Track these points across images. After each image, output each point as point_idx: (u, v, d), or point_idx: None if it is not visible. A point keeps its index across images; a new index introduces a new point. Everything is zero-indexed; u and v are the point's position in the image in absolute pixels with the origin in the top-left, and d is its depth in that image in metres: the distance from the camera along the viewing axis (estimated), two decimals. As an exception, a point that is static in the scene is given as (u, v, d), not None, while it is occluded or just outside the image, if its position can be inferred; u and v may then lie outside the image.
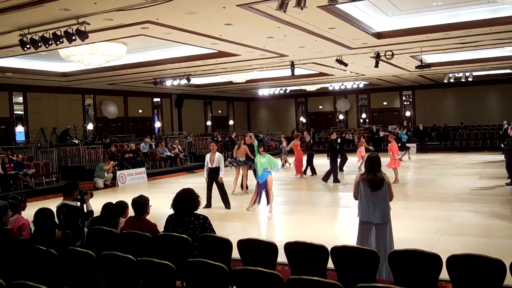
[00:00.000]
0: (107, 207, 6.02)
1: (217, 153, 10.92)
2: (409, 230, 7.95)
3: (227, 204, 10.80)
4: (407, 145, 21.43)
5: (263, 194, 10.10)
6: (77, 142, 20.22)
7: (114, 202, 6.12)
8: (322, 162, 16.11)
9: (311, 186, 14.45)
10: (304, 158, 16.37)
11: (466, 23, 12.05)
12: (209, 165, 10.80)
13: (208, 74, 20.18)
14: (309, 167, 16.52)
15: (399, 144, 20.70)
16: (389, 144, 13.93)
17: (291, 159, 18.57)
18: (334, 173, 14.60)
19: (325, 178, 14.60)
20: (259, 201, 10.14)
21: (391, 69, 20.00)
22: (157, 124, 28.45)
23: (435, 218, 8.97)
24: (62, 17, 9.17)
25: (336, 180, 14.45)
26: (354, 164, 17.37)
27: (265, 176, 9.88)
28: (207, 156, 10.94)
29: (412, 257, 4.01)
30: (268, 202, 10.13)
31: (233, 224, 9.29)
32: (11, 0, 8.12)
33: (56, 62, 16.77)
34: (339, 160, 15.68)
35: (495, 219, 8.77)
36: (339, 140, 17.61)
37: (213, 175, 10.78)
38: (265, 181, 9.90)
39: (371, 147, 18.70)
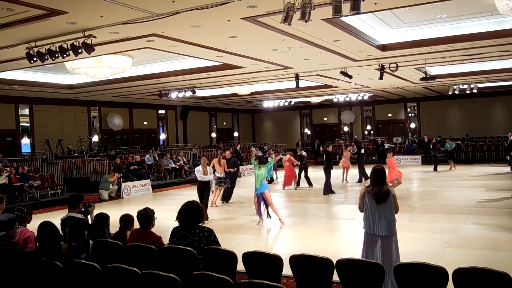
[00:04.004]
0: (99, 217, 6.03)
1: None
2: (415, 242, 7.91)
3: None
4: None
5: (263, 206, 10.26)
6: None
7: (103, 214, 6.16)
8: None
9: (315, 198, 14.37)
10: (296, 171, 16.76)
11: (470, 35, 12.08)
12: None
13: (213, 86, 20.27)
14: (305, 179, 16.67)
15: (447, 155, 21.02)
16: (389, 159, 13.84)
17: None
18: (327, 184, 14.62)
19: (326, 192, 14.54)
20: (267, 213, 10.33)
21: (396, 81, 20.03)
22: (162, 136, 28.53)
23: (441, 230, 8.91)
24: (68, 30, 9.28)
25: (330, 192, 14.53)
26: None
27: (263, 188, 10.04)
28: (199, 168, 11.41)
29: (417, 270, 3.98)
30: (268, 214, 10.34)
31: (238, 237, 9.25)
32: (18, 14, 8.22)
33: (62, 75, 16.91)
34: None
35: (502, 232, 8.71)
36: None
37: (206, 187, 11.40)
38: (262, 193, 10.05)
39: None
